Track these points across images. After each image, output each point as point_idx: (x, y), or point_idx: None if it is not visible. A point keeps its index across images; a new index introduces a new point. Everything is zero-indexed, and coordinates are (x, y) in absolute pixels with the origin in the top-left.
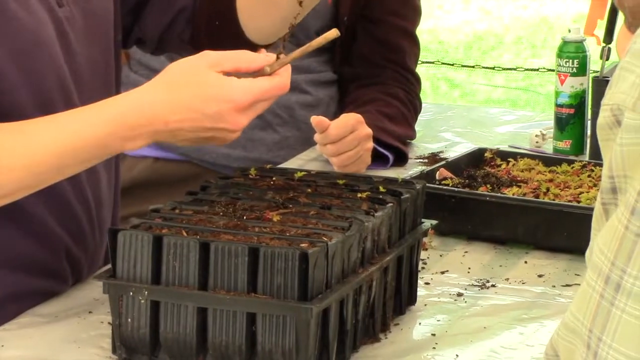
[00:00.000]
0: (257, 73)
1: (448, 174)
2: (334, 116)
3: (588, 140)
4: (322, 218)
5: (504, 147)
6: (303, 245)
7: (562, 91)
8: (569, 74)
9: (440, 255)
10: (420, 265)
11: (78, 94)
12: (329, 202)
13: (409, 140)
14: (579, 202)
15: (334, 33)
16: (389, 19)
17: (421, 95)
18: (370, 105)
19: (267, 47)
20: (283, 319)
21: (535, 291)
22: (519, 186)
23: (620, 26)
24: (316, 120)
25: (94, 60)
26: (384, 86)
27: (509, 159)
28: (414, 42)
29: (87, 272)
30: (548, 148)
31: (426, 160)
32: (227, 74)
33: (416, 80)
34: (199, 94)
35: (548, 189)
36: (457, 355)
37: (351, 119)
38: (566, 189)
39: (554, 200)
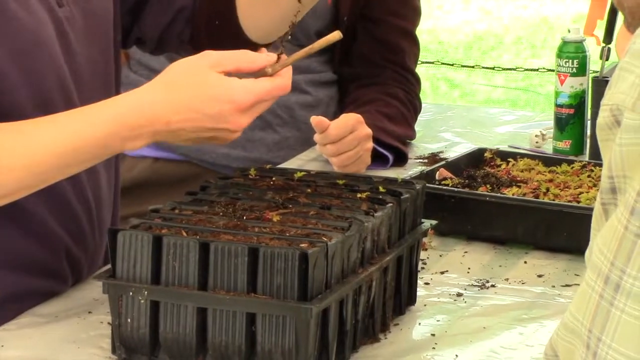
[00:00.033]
0: (259, 73)
1: (448, 174)
2: (333, 116)
3: (588, 141)
4: (322, 218)
5: (504, 147)
6: (303, 245)
7: (562, 91)
8: (569, 74)
9: (440, 256)
10: (420, 265)
11: (78, 93)
12: (329, 202)
13: (408, 141)
14: (578, 202)
15: (336, 35)
16: (388, 19)
17: (421, 95)
18: (370, 105)
19: (267, 46)
20: (283, 319)
21: (535, 291)
22: (519, 186)
23: (619, 26)
24: (316, 120)
25: (93, 60)
26: (383, 86)
27: (508, 159)
28: (414, 42)
29: (87, 272)
30: (548, 148)
31: (426, 161)
32: (229, 74)
33: (416, 81)
34: (200, 95)
35: (548, 189)
36: (456, 356)
37: (351, 119)
38: (566, 189)
39: (553, 200)
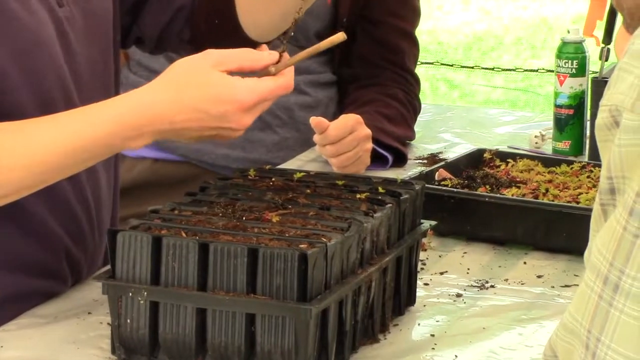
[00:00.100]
0: (262, 72)
1: (447, 174)
2: (333, 117)
3: (587, 141)
4: (321, 219)
5: (503, 147)
6: (302, 246)
7: (562, 92)
8: (568, 75)
9: (440, 256)
10: (420, 265)
11: (78, 93)
12: (328, 203)
13: (408, 141)
14: (578, 202)
15: (340, 37)
16: (388, 20)
17: (420, 96)
18: (370, 106)
19: (267, 44)
20: (282, 319)
21: (534, 292)
22: (518, 187)
23: (619, 27)
24: (315, 121)
25: (93, 60)
26: (383, 87)
27: (508, 160)
28: (413, 43)
29: (86, 272)
30: (547, 149)
31: (425, 161)
32: (231, 73)
33: (415, 81)
34: (204, 95)
35: (547, 190)
36: (456, 356)
37: (350, 120)
38: (565, 190)
39: (553, 201)
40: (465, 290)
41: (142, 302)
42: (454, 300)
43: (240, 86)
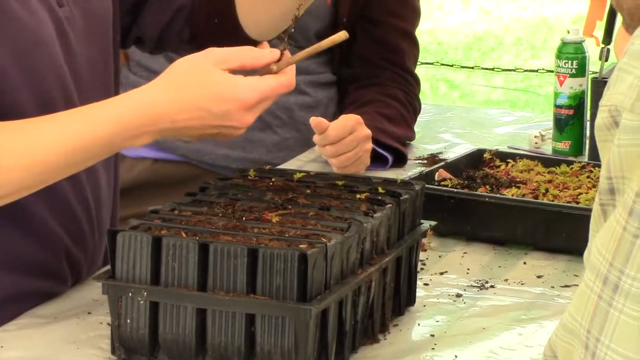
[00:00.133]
0: (264, 70)
1: (447, 174)
2: (333, 117)
3: (587, 141)
4: (321, 219)
5: (503, 148)
6: (302, 246)
7: (561, 92)
8: (568, 75)
9: (439, 256)
10: (419, 266)
11: (78, 94)
12: (328, 203)
13: (408, 141)
14: (578, 203)
15: (342, 35)
16: (388, 20)
17: (420, 96)
18: (370, 106)
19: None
20: (282, 319)
21: (534, 292)
22: (518, 187)
23: (618, 27)
24: (315, 121)
25: (93, 60)
26: (383, 87)
27: (508, 160)
28: (413, 43)
29: (86, 272)
30: (547, 149)
31: (425, 161)
32: (233, 71)
33: (415, 82)
34: (206, 93)
35: (547, 190)
36: (456, 356)
37: (350, 120)
38: (565, 190)
39: (553, 201)
40: (465, 290)
41: (142, 302)
42: (454, 301)
43: (242, 85)
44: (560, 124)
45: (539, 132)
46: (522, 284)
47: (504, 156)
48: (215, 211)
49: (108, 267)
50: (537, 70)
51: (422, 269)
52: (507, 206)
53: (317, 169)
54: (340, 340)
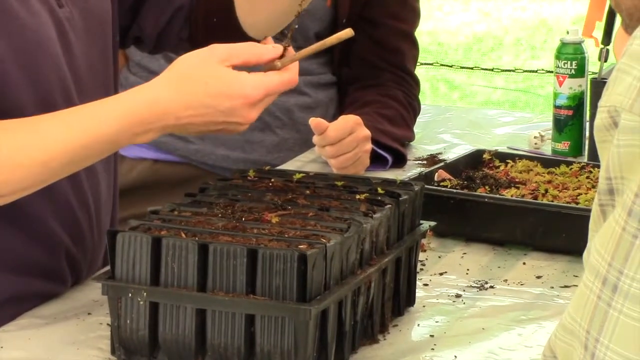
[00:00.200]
0: (267, 67)
1: (447, 175)
2: (333, 118)
3: (586, 142)
4: (321, 219)
5: (503, 148)
6: (302, 246)
7: (561, 93)
8: (568, 76)
9: (439, 257)
10: (419, 266)
11: (78, 94)
12: (328, 204)
13: (407, 142)
14: (577, 203)
15: (348, 33)
16: (388, 21)
17: (420, 96)
18: (369, 107)
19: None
20: (282, 320)
21: (534, 292)
22: (518, 187)
23: (618, 28)
24: (315, 122)
25: (93, 60)
26: (382, 88)
27: (507, 161)
28: (413, 44)
29: (86, 273)
30: (547, 149)
31: (425, 162)
32: (236, 67)
33: (415, 82)
34: (211, 90)
35: (546, 191)
36: (455, 357)
37: (350, 121)
38: (564, 191)
39: (552, 201)
40: (464, 290)
41: (141, 302)
42: (454, 301)
43: (247, 81)
44: (560, 125)
45: (539, 133)
46: (521, 285)
47: (503, 157)
48: (215, 212)
49: (108, 267)
50: (536, 71)
51: (421, 269)
52: (507, 207)
53: (317, 169)
54: (339, 341)
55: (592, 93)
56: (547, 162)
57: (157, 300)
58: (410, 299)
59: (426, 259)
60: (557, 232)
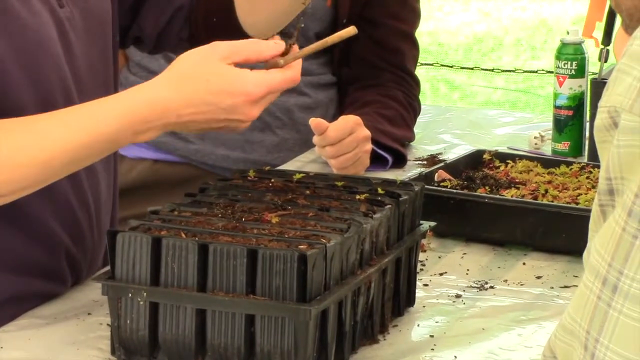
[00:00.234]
0: (270, 63)
1: (447, 175)
2: (333, 118)
3: (587, 142)
4: (321, 220)
5: (503, 148)
6: (301, 246)
7: (561, 93)
8: (568, 76)
9: (439, 257)
10: (419, 266)
11: (78, 94)
12: (328, 204)
13: (407, 142)
14: (577, 203)
15: (351, 30)
16: (388, 21)
17: (421, 97)
18: (369, 107)
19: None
20: (282, 320)
21: (534, 292)
22: (518, 188)
23: (618, 28)
24: (315, 122)
25: (93, 60)
26: (383, 88)
27: (507, 161)
28: (413, 45)
29: (86, 273)
30: (547, 150)
31: (425, 162)
32: (238, 64)
33: (415, 83)
34: (213, 88)
35: (546, 191)
36: (455, 357)
37: (350, 121)
38: (565, 191)
39: (552, 201)
40: (464, 291)
41: (141, 302)
42: (454, 301)
43: (249, 78)
44: (560, 125)
45: (539, 133)
46: (521, 285)
47: (503, 157)
48: (215, 212)
49: (108, 267)
50: (536, 71)
51: (421, 269)
52: (507, 207)
53: (317, 169)
54: (339, 341)
55: (592, 93)
56: (547, 163)
57: (157, 301)
58: (410, 299)
59: (426, 259)
60: (557, 233)
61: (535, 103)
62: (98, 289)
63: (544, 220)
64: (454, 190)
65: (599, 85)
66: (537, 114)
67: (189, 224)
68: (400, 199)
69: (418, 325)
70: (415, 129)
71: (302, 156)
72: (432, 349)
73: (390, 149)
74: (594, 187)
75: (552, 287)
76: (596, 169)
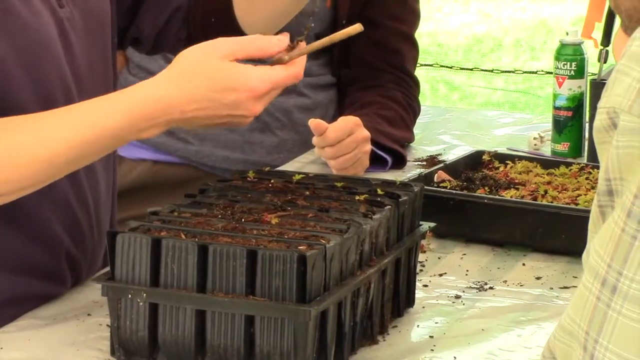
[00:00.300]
0: (275, 59)
1: (446, 176)
2: (332, 119)
3: (586, 143)
4: (320, 220)
5: (502, 149)
6: (301, 247)
7: (560, 94)
8: (567, 77)
9: (439, 258)
10: (418, 267)
11: (78, 94)
12: (327, 205)
13: (407, 143)
14: (576, 204)
15: (357, 28)
16: (388, 22)
17: (420, 97)
18: (369, 108)
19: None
20: (281, 321)
21: (533, 293)
22: (517, 189)
23: (617, 29)
24: (314, 123)
25: (93, 60)
26: (382, 89)
27: (506, 162)
28: (413, 46)
29: (86, 274)
30: (546, 150)
31: (424, 163)
32: (241, 60)
33: (415, 83)
34: (216, 83)
35: (546, 192)
36: (455, 358)
37: (349, 122)
38: (564, 192)
39: (551, 202)
40: (464, 291)
41: (141, 303)
42: (453, 302)
43: (253, 74)
44: (559, 126)
45: (538, 134)
46: (521, 286)
47: (502, 158)
48: (215, 213)
49: (107, 268)
50: (536, 72)
51: (421, 270)
52: (506, 208)
53: (316, 170)
54: (339, 342)
55: (591, 94)
56: (547, 163)
57: (156, 301)
58: (410, 300)
59: (426, 260)
60: (557, 233)
61: (534, 104)
62: (98, 289)
63: (543, 221)
64: (454, 191)
65: (598, 86)
66: (537, 114)
67: (188, 225)
68: (400, 199)
69: (417, 326)
70: (415, 130)
71: (302, 157)
72: (432, 350)
73: (390, 149)
74: (593, 188)
75: (552, 288)
76: (595, 170)
